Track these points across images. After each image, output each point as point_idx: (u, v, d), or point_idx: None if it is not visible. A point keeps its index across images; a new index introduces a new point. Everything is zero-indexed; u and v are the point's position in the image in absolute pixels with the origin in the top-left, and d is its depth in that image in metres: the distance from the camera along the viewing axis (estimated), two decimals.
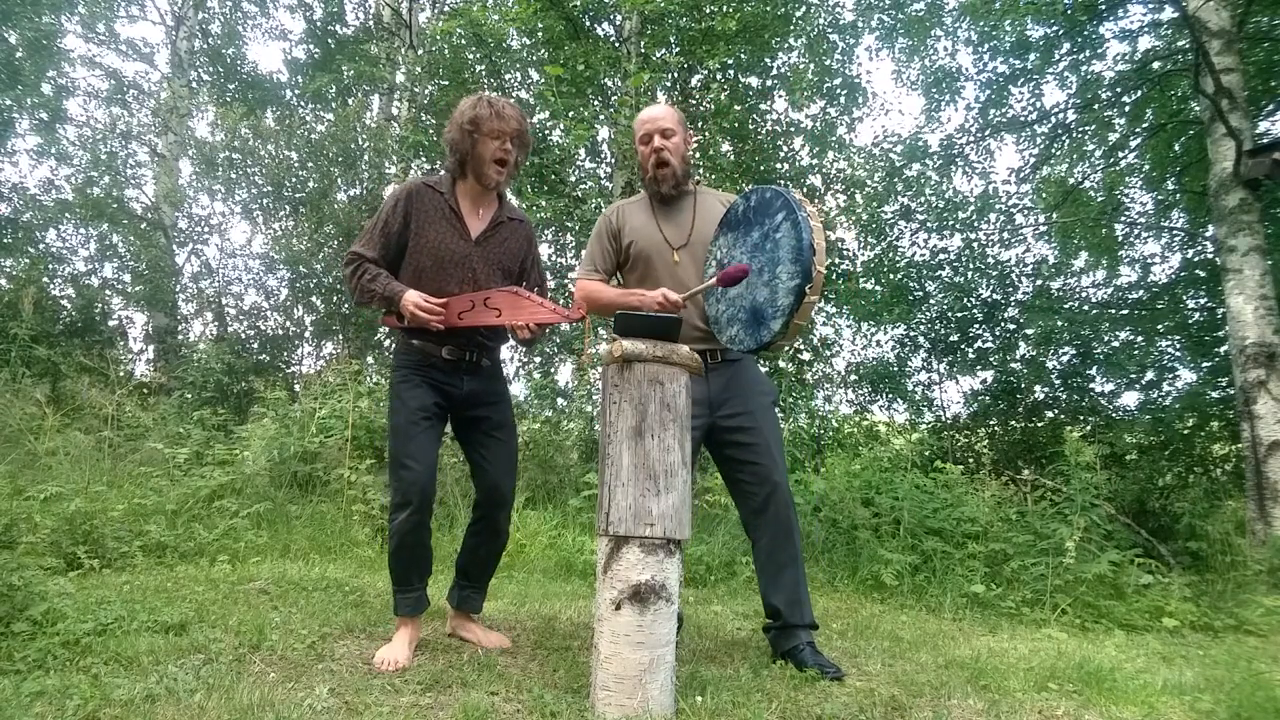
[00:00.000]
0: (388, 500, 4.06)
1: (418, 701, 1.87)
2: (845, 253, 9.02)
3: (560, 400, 6.57)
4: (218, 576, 3.14)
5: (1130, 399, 7.98)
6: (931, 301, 8.85)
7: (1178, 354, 7.72)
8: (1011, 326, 8.57)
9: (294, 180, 7.88)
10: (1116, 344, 7.89)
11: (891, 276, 8.70)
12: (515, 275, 2.44)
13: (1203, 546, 4.72)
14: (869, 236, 9.12)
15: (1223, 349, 6.67)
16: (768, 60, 7.99)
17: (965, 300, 8.59)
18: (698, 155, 8.15)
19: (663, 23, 7.33)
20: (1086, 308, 8.50)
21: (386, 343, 8.18)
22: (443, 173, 2.44)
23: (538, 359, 8.12)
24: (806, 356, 8.78)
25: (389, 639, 2.31)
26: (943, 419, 8.63)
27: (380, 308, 2.30)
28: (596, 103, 7.28)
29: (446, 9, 10.54)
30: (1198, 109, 6.17)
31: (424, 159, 8.39)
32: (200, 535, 3.58)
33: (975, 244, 8.92)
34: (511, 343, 2.51)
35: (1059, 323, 7.75)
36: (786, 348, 2.35)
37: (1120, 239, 9.17)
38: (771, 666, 2.34)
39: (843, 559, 4.07)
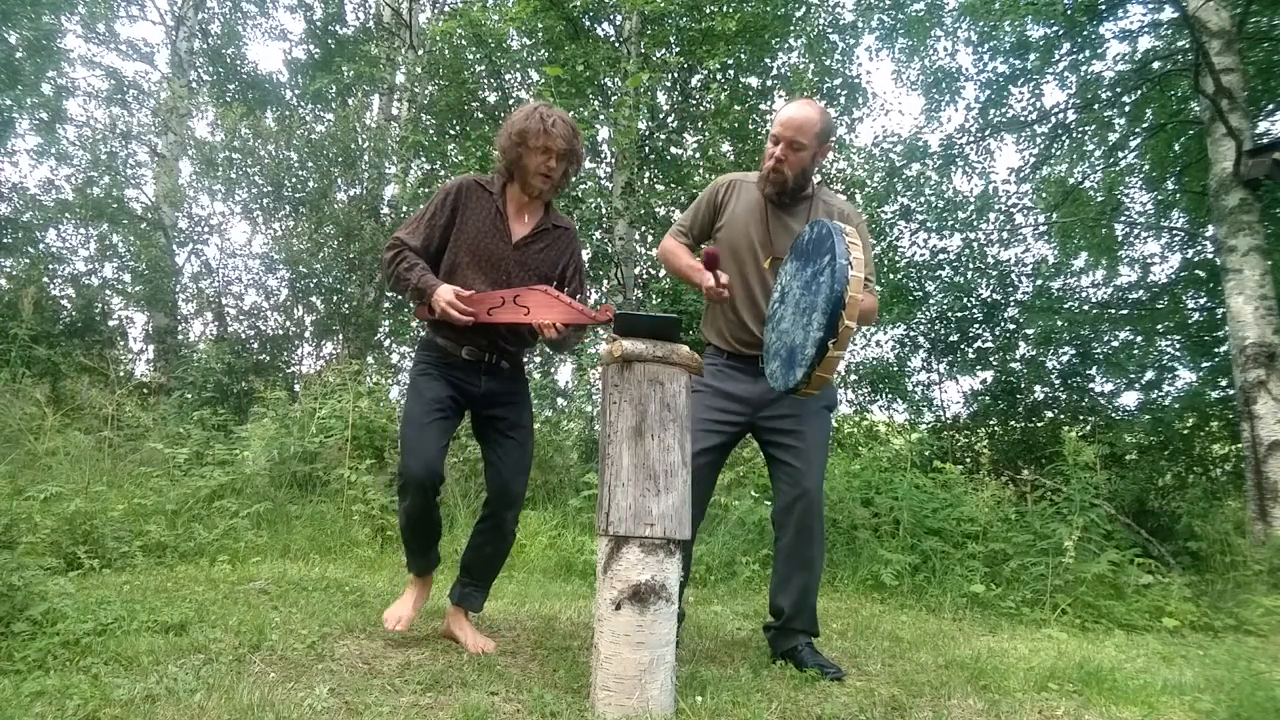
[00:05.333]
0: (388, 500, 4.10)
1: (418, 701, 1.87)
2: None
3: (560, 400, 6.57)
4: (218, 576, 3.14)
5: (1130, 399, 8.00)
6: (931, 301, 8.86)
7: (1177, 354, 7.73)
8: (1011, 326, 8.57)
9: (294, 180, 7.87)
10: (1116, 344, 7.90)
11: (891, 276, 8.70)
12: (556, 281, 2.44)
13: (1202, 546, 4.72)
14: (870, 239, 9.12)
15: (1223, 349, 6.68)
16: (768, 60, 8.00)
17: (965, 300, 8.60)
18: (697, 155, 8.16)
19: (663, 23, 7.33)
20: (1086, 308, 8.51)
21: (387, 343, 8.18)
22: (495, 174, 2.44)
23: (537, 358, 8.11)
24: None
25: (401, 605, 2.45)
26: (942, 419, 8.63)
27: (414, 298, 2.31)
28: (596, 103, 7.28)
29: (446, 9, 10.54)
30: (1198, 109, 6.17)
31: (424, 159, 8.39)
32: (200, 535, 3.57)
33: (975, 244, 8.94)
34: (539, 346, 2.52)
35: (1059, 323, 7.76)
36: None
37: (1120, 239, 9.18)
38: (771, 666, 2.34)
39: (843, 559, 4.07)
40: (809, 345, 1.97)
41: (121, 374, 7.00)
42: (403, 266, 2.28)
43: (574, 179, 2.81)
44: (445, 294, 2.19)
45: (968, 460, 7.52)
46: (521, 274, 2.35)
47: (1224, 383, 6.94)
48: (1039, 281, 8.90)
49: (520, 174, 2.32)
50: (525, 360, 2.54)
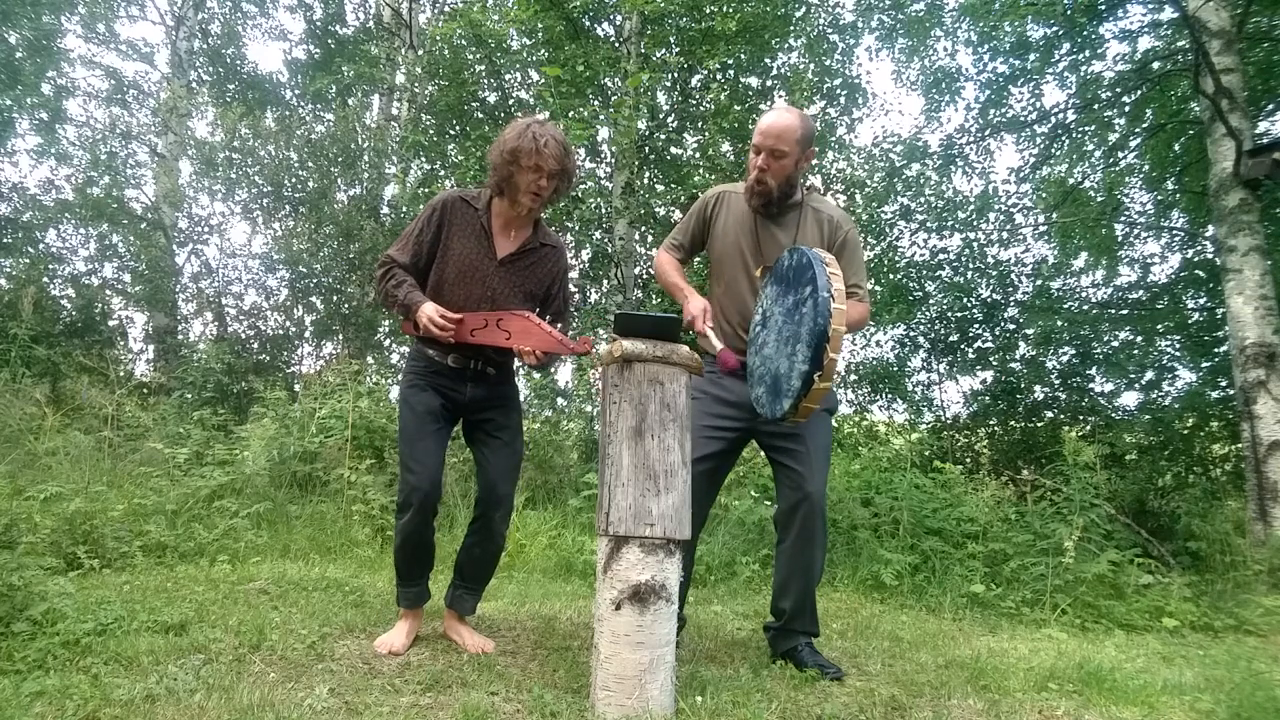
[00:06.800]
0: (388, 500, 4.10)
1: (418, 701, 1.87)
2: None
3: (560, 400, 6.57)
4: (218, 576, 3.14)
5: (1130, 399, 7.99)
6: (931, 301, 8.85)
7: (1177, 354, 7.72)
8: (1011, 326, 8.56)
9: (294, 180, 7.88)
10: (1116, 344, 7.89)
11: (891, 276, 8.70)
12: (539, 300, 2.45)
13: (1202, 546, 4.72)
14: (869, 236, 9.14)
15: (1223, 349, 6.67)
16: (768, 60, 8.00)
17: (965, 300, 8.58)
18: (697, 155, 8.16)
19: (663, 23, 7.33)
20: (1086, 308, 8.50)
21: (386, 343, 8.17)
22: (484, 188, 2.45)
23: None
24: None
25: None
26: (942, 419, 8.63)
27: (400, 314, 2.36)
28: (596, 103, 7.28)
29: (447, 9, 10.54)
30: (1198, 109, 6.17)
31: (423, 159, 8.39)
32: (200, 535, 3.57)
33: (975, 244, 8.93)
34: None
35: (1059, 323, 7.75)
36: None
37: (1120, 239, 9.16)
38: (771, 666, 2.34)
39: (843, 559, 4.07)
40: (794, 377, 2.00)
41: (121, 374, 7.00)
42: (391, 284, 2.32)
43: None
44: (428, 310, 2.23)
45: (968, 460, 7.51)
46: (506, 290, 2.36)
47: (1224, 383, 6.93)
48: (1039, 281, 8.88)
49: (510, 190, 2.32)
50: (514, 364, 2.55)
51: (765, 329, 2.22)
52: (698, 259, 2.95)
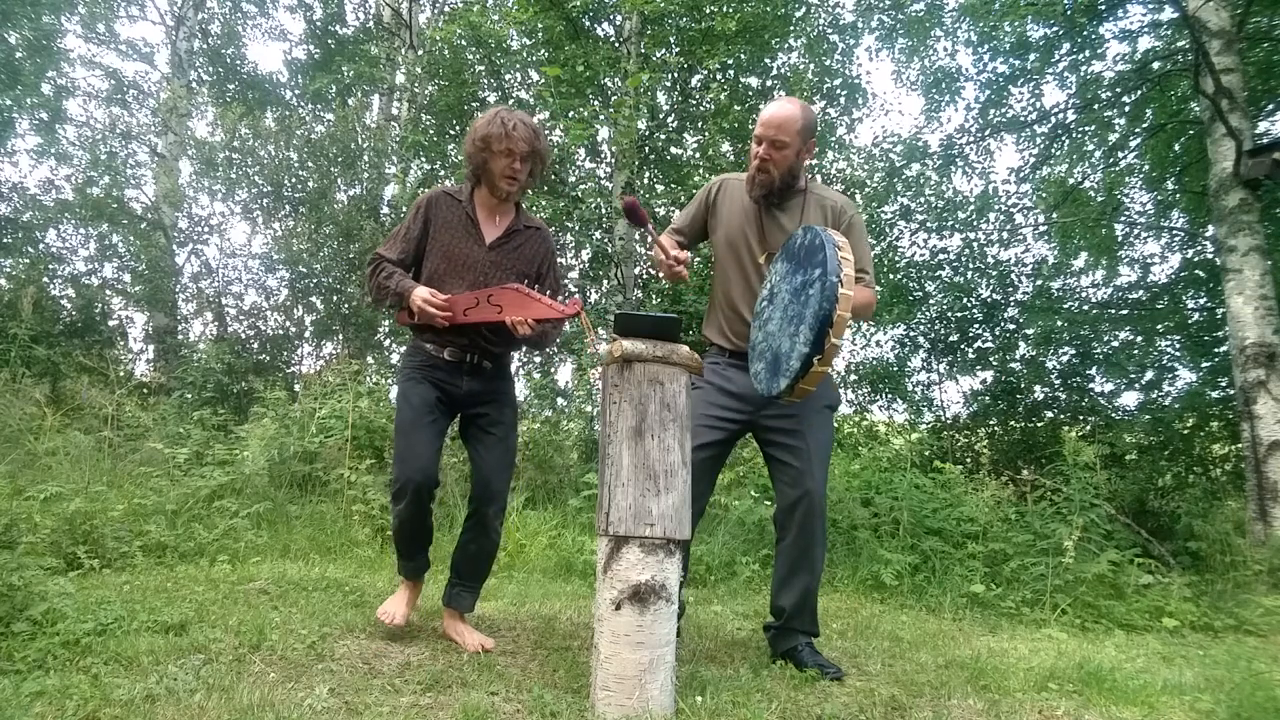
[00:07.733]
0: (388, 500, 4.09)
1: (418, 701, 1.87)
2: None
3: (560, 400, 6.57)
4: (218, 576, 3.13)
5: (1130, 399, 7.99)
6: (931, 301, 8.85)
7: (1178, 354, 7.73)
8: (1011, 326, 8.57)
9: (294, 180, 7.87)
10: (1116, 344, 7.89)
11: (891, 276, 8.70)
12: (532, 280, 2.48)
13: (1202, 546, 4.72)
14: (869, 236, 9.12)
15: (1223, 349, 6.67)
16: (768, 60, 8.00)
17: (965, 300, 8.59)
18: (697, 155, 8.16)
19: (663, 23, 7.33)
20: (1086, 308, 8.50)
21: (387, 343, 8.17)
22: (464, 181, 2.52)
23: (537, 358, 8.11)
24: None
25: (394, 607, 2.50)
26: (942, 419, 8.63)
27: (393, 304, 2.40)
28: (596, 103, 7.28)
29: (447, 9, 10.55)
30: (1198, 109, 6.17)
31: (423, 159, 8.39)
32: (200, 535, 3.57)
33: (975, 244, 8.93)
34: (522, 347, 2.55)
35: (1059, 323, 7.75)
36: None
37: (1120, 239, 9.17)
38: (771, 666, 2.34)
39: (843, 559, 4.07)
40: (794, 357, 1.99)
41: (121, 374, 7.00)
42: (381, 276, 2.38)
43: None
44: (421, 293, 2.28)
45: (968, 460, 7.52)
46: (498, 275, 2.41)
47: (1224, 383, 6.93)
48: (1039, 281, 8.89)
49: (487, 177, 2.39)
50: (511, 361, 2.58)
51: (771, 305, 2.21)
52: (698, 259, 2.96)
